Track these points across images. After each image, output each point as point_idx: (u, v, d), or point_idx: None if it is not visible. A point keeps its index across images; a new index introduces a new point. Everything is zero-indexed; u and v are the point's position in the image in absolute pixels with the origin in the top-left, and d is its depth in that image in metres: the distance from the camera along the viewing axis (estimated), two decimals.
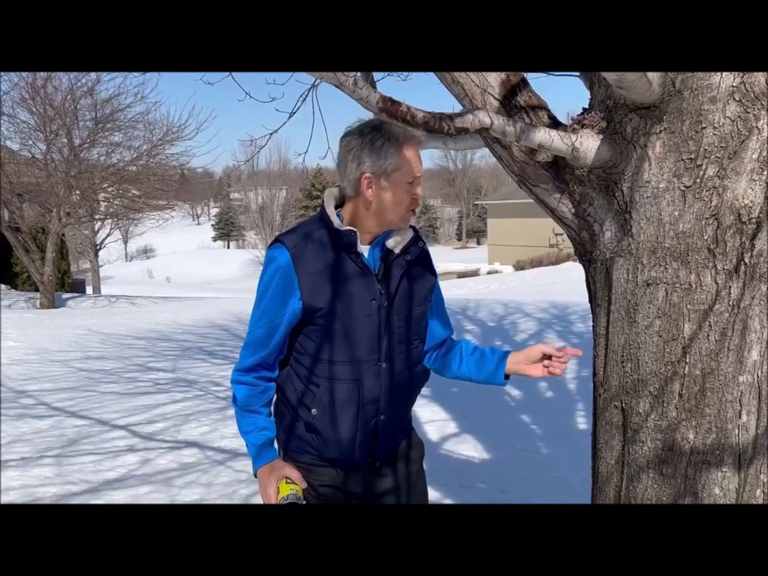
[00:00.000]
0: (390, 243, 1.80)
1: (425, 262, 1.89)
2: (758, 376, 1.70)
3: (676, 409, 1.73)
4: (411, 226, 1.85)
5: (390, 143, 1.71)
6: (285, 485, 1.72)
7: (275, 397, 1.87)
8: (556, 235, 29.52)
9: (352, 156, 1.72)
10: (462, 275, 28.06)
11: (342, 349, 1.76)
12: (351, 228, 1.75)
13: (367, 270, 1.76)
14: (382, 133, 1.71)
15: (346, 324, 1.75)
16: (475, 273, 29.71)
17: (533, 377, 1.89)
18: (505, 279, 23.69)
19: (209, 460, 4.63)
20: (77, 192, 16.40)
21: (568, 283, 16.04)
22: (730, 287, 1.68)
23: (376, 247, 1.79)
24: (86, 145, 16.79)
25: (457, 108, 2.02)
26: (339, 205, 1.82)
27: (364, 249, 1.78)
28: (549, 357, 1.86)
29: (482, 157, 63.74)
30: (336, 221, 1.76)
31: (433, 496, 3.85)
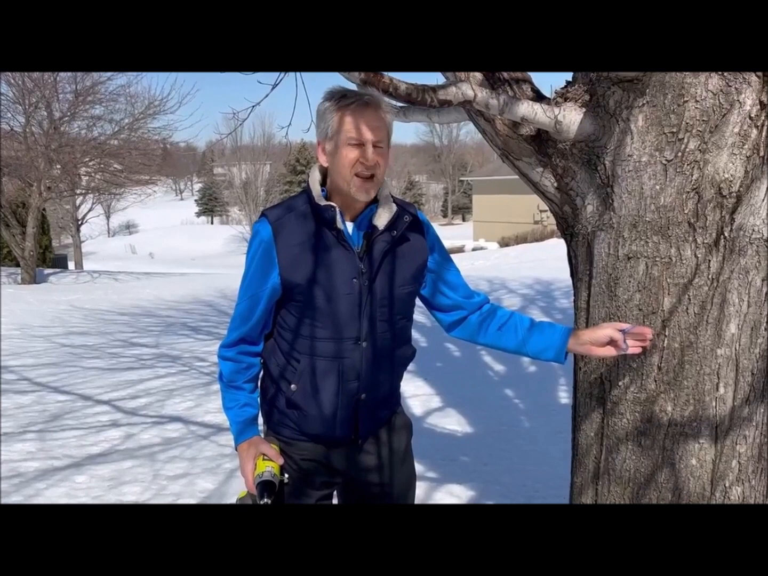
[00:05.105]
0: (375, 220, 1.76)
1: (416, 237, 1.82)
2: (736, 349, 1.72)
3: (655, 381, 1.75)
4: (396, 202, 1.80)
5: (330, 107, 1.69)
6: (262, 462, 1.73)
7: (261, 371, 1.87)
8: (541, 211, 29.56)
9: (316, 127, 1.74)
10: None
11: (322, 325, 1.74)
12: (330, 203, 1.72)
13: (348, 247, 1.73)
14: (326, 97, 1.71)
15: (326, 301, 1.72)
16: (460, 249, 29.69)
17: (600, 357, 1.78)
18: (490, 255, 23.71)
19: (193, 434, 4.64)
20: (58, 166, 16.16)
21: (552, 259, 16.10)
22: (709, 261, 1.69)
23: (361, 224, 1.76)
24: (66, 118, 16.52)
25: (441, 80, 2.00)
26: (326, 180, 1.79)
27: (349, 225, 1.75)
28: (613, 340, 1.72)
29: (468, 133, 63.48)
30: (318, 196, 1.74)
31: (417, 469, 3.86)
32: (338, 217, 1.72)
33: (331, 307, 1.73)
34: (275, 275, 1.72)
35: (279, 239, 1.72)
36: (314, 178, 1.77)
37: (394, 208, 1.78)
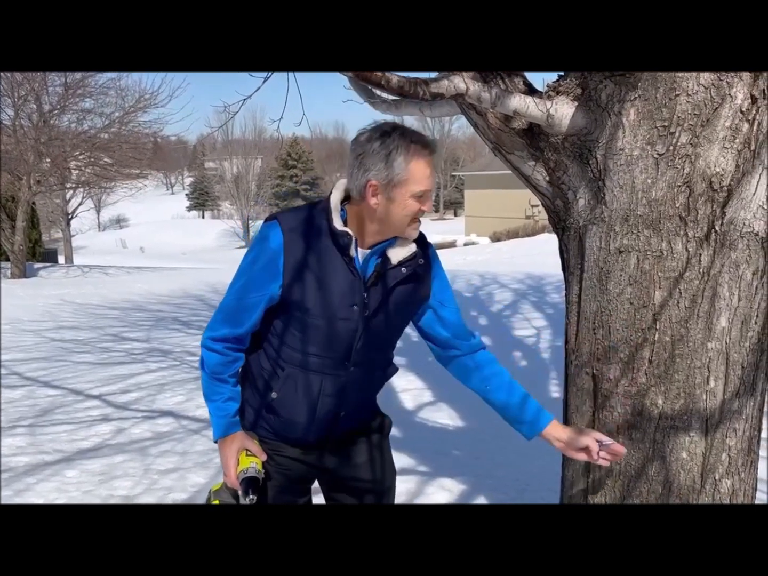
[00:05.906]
0: (390, 252, 1.74)
1: (423, 273, 1.81)
2: (726, 343, 1.73)
3: (646, 375, 1.76)
4: (422, 237, 1.78)
5: (398, 152, 1.63)
6: (245, 457, 1.72)
7: (241, 368, 1.86)
8: (533, 206, 29.60)
9: (359, 161, 1.66)
10: (439, 247, 27.88)
11: (312, 343, 1.73)
12: (347, 230, 1.69)
13: (356, 275, 1.71)
14: (390, 140, 1.64)
15: (322, 322, 1.72)
16: (452, 244, 29.68)
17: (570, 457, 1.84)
18: (482, 250, 23.75)
19: (184, 429, 4.63)
20: (47, 159, 16.09)
21: (544, 254, 16.15)
22: (700, 255, 1.69)
23: (374, 254, 1.73)
24: (56, 112, 16.42)
25: (433, 74, 2.00)
26: (348, 198, 1.75)
27: (362, 253, 1.73)
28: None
29: (459, 127, 63.49)
30: (336, 219, 1.71)
31: (409, 463, 3.89)
32: (353, 245, 1.70)
33: (326, 328, 1.72)
34: (276, 287, 1.70)
35: (288, 252, 1.69)
36: (336, 198, 1.73)
37: (413, 248, 1.76)
